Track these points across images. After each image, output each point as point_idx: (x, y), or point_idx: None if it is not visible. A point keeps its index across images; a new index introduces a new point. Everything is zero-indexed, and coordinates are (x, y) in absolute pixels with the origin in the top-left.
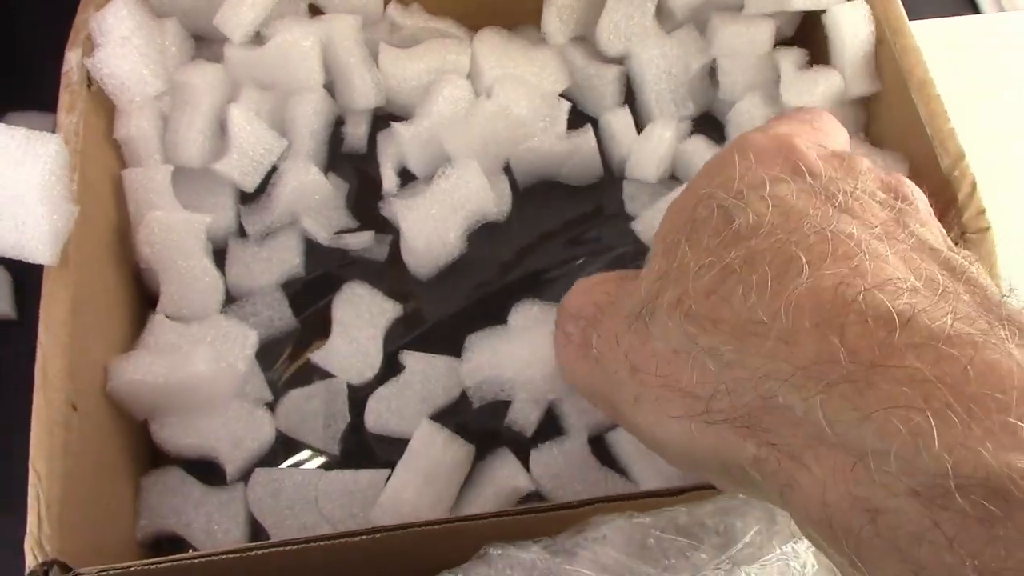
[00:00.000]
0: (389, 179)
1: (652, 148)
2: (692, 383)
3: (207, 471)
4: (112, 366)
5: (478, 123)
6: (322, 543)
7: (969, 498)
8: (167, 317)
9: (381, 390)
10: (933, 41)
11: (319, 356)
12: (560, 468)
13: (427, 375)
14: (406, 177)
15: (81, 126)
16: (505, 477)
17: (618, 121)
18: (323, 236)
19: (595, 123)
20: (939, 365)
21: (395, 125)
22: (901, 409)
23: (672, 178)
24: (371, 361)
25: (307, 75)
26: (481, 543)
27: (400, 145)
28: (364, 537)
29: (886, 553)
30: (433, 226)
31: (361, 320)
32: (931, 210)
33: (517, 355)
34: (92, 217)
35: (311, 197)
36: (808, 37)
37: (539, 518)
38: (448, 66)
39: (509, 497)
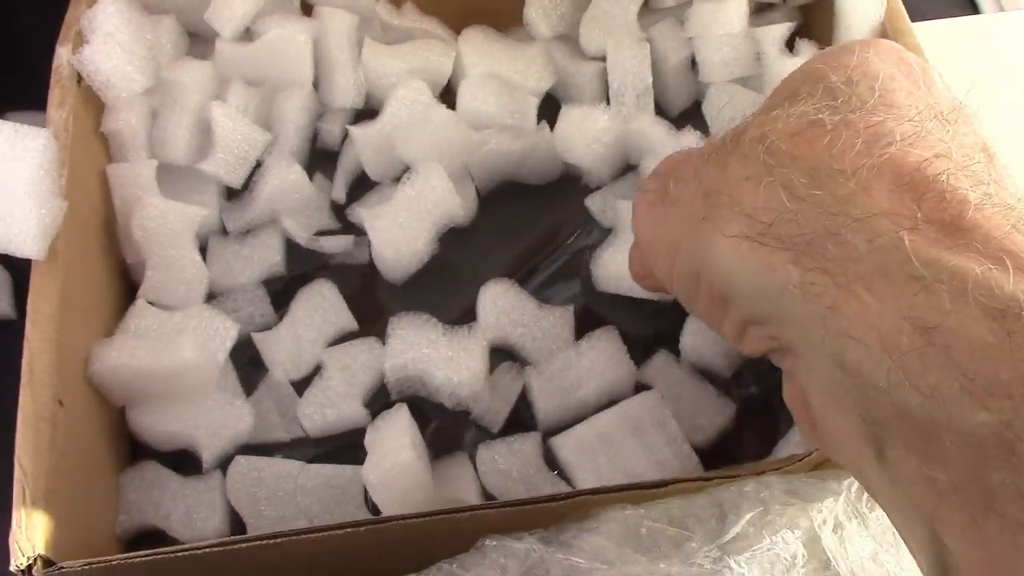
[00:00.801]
0: (339, 188)
1: (582, 129)
2: (757, 206)
3: (185, 463)
4: (94, 350)
5: (432, 128)
6: (305, 536)
7: None
8: (148, 303)
9: (306, 395)
10: (933, 41)
11: (260, 337)
12: (508, 467)
13: (346, 364)
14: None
15: (70, 121)
16: (456, 490)
17: (582, 116)
18: (302, 237)
19: None
20: (1009, 237)
21: (351, 128)
22: (975, 255)
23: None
24: (301, 365)
25: (298, 71)
26: (472, 536)
27: (355, 148)
28: (350, 531)
29: (935, 367)
30: (401, 234)
31: (312, 321)
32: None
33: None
34: (81, 212)
35: (292, 196)
36: (815, 21)
37: (532, 510)
38: (431, 66)
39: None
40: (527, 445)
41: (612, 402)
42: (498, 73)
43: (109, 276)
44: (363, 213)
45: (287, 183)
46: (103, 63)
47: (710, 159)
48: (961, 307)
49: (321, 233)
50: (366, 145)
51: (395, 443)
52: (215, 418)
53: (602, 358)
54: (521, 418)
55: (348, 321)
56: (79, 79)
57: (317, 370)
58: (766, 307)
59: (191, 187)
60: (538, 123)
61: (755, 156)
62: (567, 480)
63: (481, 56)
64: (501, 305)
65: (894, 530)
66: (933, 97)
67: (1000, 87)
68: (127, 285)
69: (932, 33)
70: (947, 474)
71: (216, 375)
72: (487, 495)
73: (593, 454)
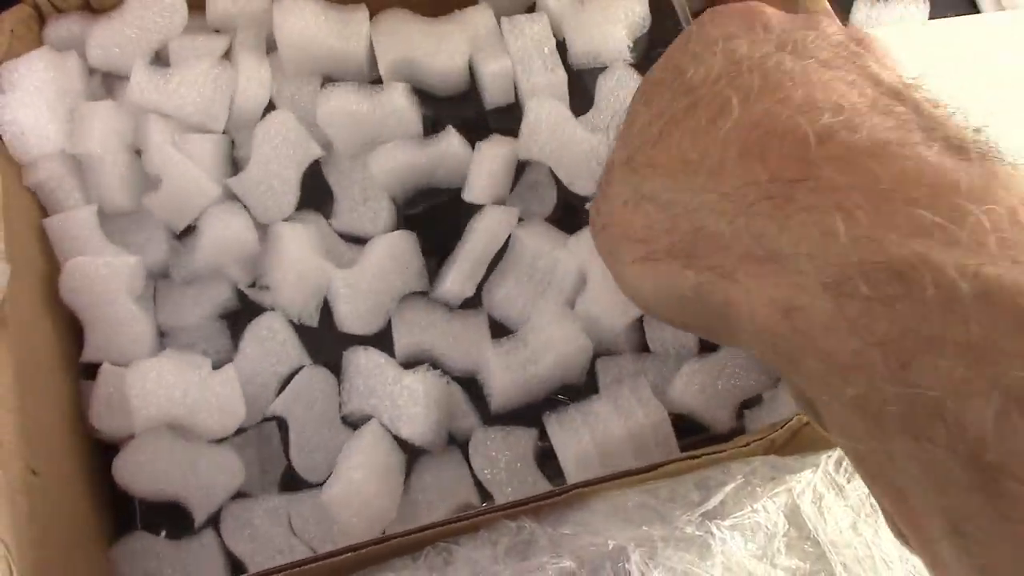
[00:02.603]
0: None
1: (485, 168)
2: (638, 229)
3: (172, 514)
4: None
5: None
6: (308, 566)
7: (872, 282)
8: (90, 364)
9: (292, 452)
10: (933, 41)
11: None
12: (500, 458)
13: (308, 404)
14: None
15: (0, 178)
16: (450, 492)
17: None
18: (246, 286)
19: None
20: (854, 173)
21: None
22: (814, 213)
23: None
24: (261, 402)
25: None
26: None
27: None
28: (350, 555)
29: (803, 349)
30: (364, 301)
31: (267, 360)
32: (893, 57)
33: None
34: (23, 272)
35: (235, 246)
36: None
37: (529, 508)
38: (347, 55)
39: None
40: (522, 439)
41: (565, 383)
42: (403, 58)
43: (62, 332)
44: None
45: (229, 232)
46: (22, 116)
47: (601, 191)
48: (806, 282)
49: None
50: (246, 196)
51: (346, 463)
52: (206, 476)
53: (558, 334)
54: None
55: (300, 357)
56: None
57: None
58: (683, 319)
59: (137, 225)
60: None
61: (623, 178)
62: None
63: (395, 41)
64: (413, 319)
65: (872, 501)
66: (777, 29)
67: (999, 87)
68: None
69: (932, 33)
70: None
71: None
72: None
73: (591, 466)
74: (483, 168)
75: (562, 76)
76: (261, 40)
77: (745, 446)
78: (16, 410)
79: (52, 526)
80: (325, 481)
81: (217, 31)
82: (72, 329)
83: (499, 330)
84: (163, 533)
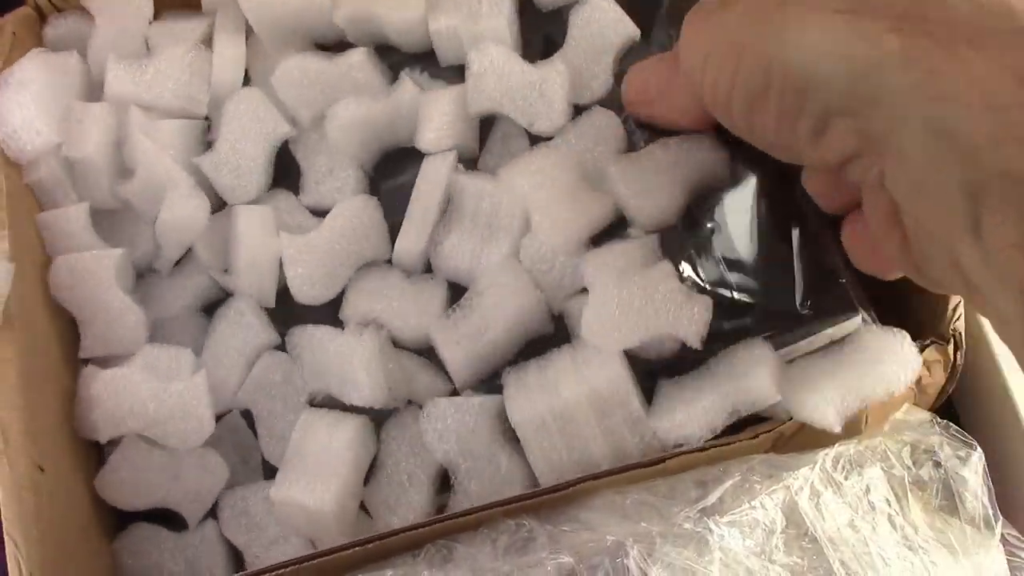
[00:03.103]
0: None
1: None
2: None
3: (167, 513)
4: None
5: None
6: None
7: None
8: (91, 361)
9: (262, 433)
10: None
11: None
12: (452, 428)
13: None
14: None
15: (3, 180)
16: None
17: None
18: (215, 270)
19: None
20: None
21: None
22: None
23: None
24: (230, 386)
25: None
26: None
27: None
28: (348, 552)
29: None
30: (322, 270)
31: (233, 344)
32: None
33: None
34: (28, 270)
35: (189, 231)
36: None
37: (529, 504)
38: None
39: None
40: (475, 408)
41: (528, 341)
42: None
43: (69, 330)
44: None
45: (180, 215)
46: (12, 114)
47: None
48: None
49: None
50: (215, 177)
51: (290, 468)
52: (191, 480)
53: (506, 291)
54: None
55: (269, 337)
56: None
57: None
58: (858, 87)
59: (126, 219)
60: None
61: None
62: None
63: None
64: (365, 287)
65: (869, 498)
66: None
67: None
68: None
69: None
70: None
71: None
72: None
73: (549, 433)
74: (432, 112)
75: (504, 20)
76: (240, 21)
77: (754, 438)
78: (22, 408)
79: (58, 522)
80: None
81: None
82: (76, 327)
83: (458, 292)
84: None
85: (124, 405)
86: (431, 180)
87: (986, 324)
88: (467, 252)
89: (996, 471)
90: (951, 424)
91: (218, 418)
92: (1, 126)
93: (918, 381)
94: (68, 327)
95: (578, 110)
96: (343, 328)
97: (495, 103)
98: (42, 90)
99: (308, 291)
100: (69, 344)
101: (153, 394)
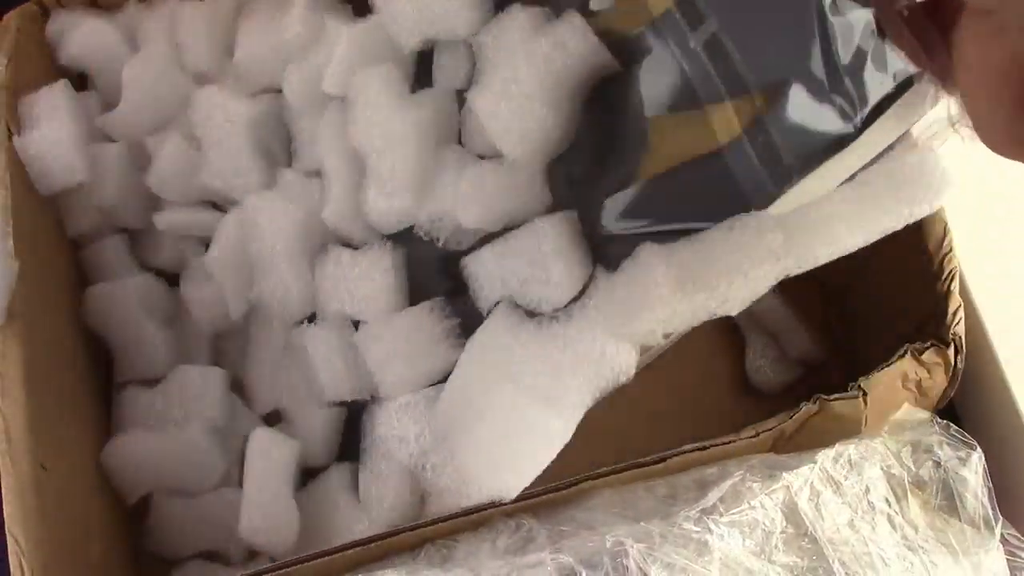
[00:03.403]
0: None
1: None
2: None
3: None
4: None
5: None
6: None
7: None
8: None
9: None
10: None
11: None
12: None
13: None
14: None
15: (7, 178)
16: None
17: None
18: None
19: None
20: None
21: None
22: None
23: None
24: None
25: None
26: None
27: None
28: (349, 552)
29: None
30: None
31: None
32: None
33: None
34: (33, 270)
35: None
36: None
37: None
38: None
39: None
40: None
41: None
42: None
43: (73, 330)
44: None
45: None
46: (47, 152)
47: None
48: None
49: None
50: None
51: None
52: (221, 519)
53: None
54: None
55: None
56: (9, 134)
57: None
58: None
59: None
60: None
61: None
62: None
63: None
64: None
65: (869, 498)
66: None
67: None
68: (91, 338)
69: None
70: None
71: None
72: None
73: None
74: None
75: None
76: None
77: (755, 436)
78: (25, 405)
79: (61, 521)
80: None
81: None
82: (82, 326)
83: None
84: None
85: (139, 472)
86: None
87: (988, 326)
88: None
89: (998, 472)
90: (951, 424)
91: None
92: (34, 162)
93: (918, 383)
94: (75, 328)
95: None
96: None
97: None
98: (69, 124)
99: None
100: (75, 344)
101: (163, 450)
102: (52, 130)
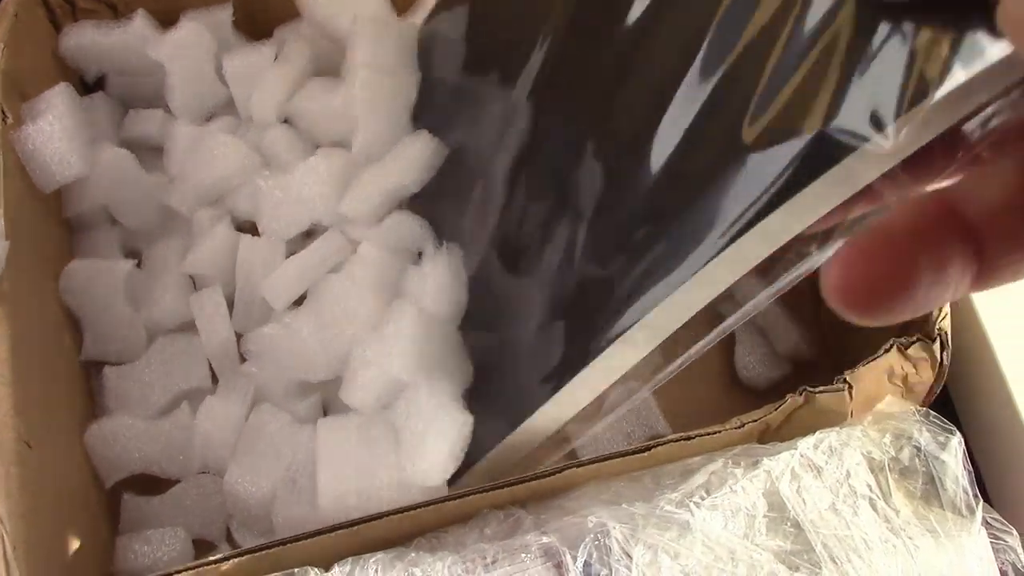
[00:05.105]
0: None
1: None
2: None
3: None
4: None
5: None
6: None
7: None
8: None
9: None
10: None
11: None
12: None
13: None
14: None
15: (0, 162)
16: None
17: None
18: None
19: None
20: None
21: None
22: None
23: None
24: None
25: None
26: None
27: None
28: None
29: None
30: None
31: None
32: None
33: None
34: (22, 250)
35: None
36: None
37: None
38: None
39: None
40: None
41: None
42: None
43: (63, 309)
44: None
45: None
46: (44, 145)
47: None
48: None
49: None
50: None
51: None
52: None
53: None
54: None
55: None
56: (5, 117)
57: None
58: None
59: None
60: None
61: None
62: None
63: None
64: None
65: (850, 482)
66: None
67: None
68: (78, 319)
69: None
70: None
71: None
72: None
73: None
74: None
75: None
76: None
77: (740, 427)
78: (11, 383)
79: (46, 498)
80: None
81: None
82: (67, 306)
83: None
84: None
85: (117, 459)
86: None
87: (981, 314)
88: None
89: (993, 463)
90: (931, 412)
91: None
92: (31, 156)
93: (904, 378)
94: (63, 308)
95: None
96: None
97: None
98: (69, 120)
99: None
100: (62, 324)
101: (142, 438)
102: (48, 123)
